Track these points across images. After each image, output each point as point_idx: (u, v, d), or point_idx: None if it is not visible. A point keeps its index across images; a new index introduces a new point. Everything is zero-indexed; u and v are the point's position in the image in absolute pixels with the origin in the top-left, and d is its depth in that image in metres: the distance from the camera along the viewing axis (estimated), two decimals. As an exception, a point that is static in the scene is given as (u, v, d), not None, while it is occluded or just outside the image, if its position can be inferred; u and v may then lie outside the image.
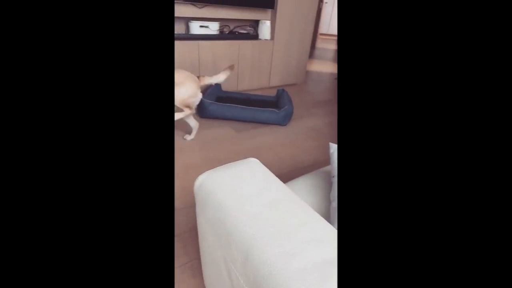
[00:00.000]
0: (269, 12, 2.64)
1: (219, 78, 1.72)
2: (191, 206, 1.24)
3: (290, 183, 0.90)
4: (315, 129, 2.09)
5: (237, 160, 1.62)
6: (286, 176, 1.51)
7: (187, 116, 1.68)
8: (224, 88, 2.60)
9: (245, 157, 1.65)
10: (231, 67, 1.73)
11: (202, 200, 0.63)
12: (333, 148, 0.87)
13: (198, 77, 1.69)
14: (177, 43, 2.18)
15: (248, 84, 2.78)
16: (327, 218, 0.76)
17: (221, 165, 1.53)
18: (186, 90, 1.61)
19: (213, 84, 2.41)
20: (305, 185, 0.87)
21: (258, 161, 0.75)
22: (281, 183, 0.64)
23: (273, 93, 2.74)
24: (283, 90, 2.43)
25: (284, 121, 2.06)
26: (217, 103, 2.07)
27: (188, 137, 1.79)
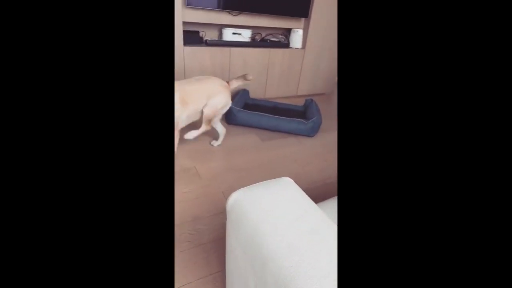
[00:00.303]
0: (302, 21, 2.61)
1: (246, 78, 1.69)
2: (216, 214, 1.24)
3: (321, 204, 0.87)
4: (343, 142, 2.02)
5: (262, 169, 1.61)
6: (313, 191, 1.46)
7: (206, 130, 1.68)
8: (251, 95, 2.61)
9: (270, 167, 1.63)
10: (245, 76, 1.68)
11: (235, 221, 0.62)
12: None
13: (227, 82, 1.70)
14: (209, 49, 2.22)
15: (275, 91, 2.77)
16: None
17: (246, 173, 1.54)
18: (221, 100, 1.61)
19: (240, 90, 2.44)
20: (332, 210, 0.83)
21: (292, 181, 0.72)
22: (318, 208, 0.61)
23: (300, 101, 2.70)
24: (312, 100, 2.39)
25: (311, 132, 2.02)
26: (245, 111, 2.07)
27: (215, 143, 1.80)
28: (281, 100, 2.78)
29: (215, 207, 1.28)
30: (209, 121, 1.62)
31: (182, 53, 2.12)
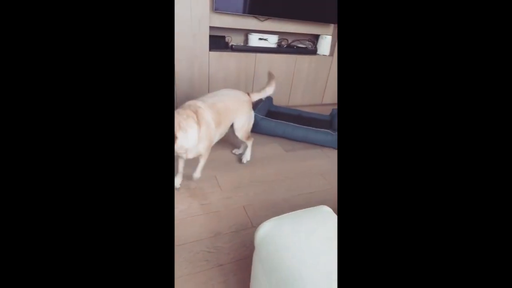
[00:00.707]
0: (331, 27, 2.51)
1: (267, 92, 1.58)
2: (236, 231, 1.16)
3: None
4: (373, 157, 1.88)
5: (286, 183, 1.51)
6: (340, 211, 1.34)
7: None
8: (275, 102, 2.52)
9: (295, 181, 1.53)
10: (271, 75, 1.60)
11: (266, 260, 0.53)
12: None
13: (248, 93, 1.58)
14: (234, 54, 2.17)
15: (300, 99, 2.67)
16: None
17: (269, 187, 1.44)
18: (247, 117, 1.49)
19: (263, 98, 2.36)
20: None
21: (331, 210, 0.62)
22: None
23: (325, 110, 2.57)
24: (339, 110, 2.26)
25: (338, 145, 1.90)
26: (268, 119, 1.99)
27: (245, 159, 1.66)
28: (305, 109, 2.67)
29: (236, 223, 1.20)
30: (248, 137, 1.56)
31: (207, 58, 2.09)
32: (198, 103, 1.24)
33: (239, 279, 0.95)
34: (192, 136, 1.15)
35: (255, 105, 2.22)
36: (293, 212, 0.60)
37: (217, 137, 1.37)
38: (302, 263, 0.48)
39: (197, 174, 1.37)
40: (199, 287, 0.92)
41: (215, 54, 2.10)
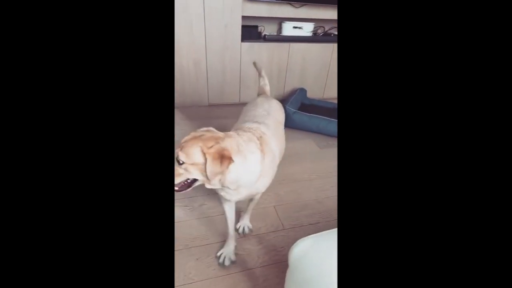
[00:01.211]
0: (374, 11, 2.28)
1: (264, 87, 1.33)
2: (266, 233, 1.11)
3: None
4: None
5: (320, 183, 1.41)
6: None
7: None
8: (309, 94, 2.39)
9: (329, 181, 1.43)
10: (256, 65, 1.37)
11: (302, 281, 0.46)
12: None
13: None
14: (267, 45, 2.08)
15: (336, 91, 2.50)
16: None
17: (301, 187, 1.36)
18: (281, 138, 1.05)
19: (297, 88, 2.25)
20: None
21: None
22: None
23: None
24: (380, 103, 2.07)
25: (379, 142, 1.73)
26: (301, 113, 1.89)
27: None
28: (341, 101, 2.50)
29: (266, 224, 1.15)
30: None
31: (239, 49, 2.02)
32: (261, 128, 0.90)
33: (269, 285, 0.91)
34: (252, 165, 0.77)
35: (287, 98, 2.12)
36: (332, 230, 0.52)
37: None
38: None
39: (246, 222, 1.09)
40: (228, 291, 0.89)
41: (246, 45, 2.03)
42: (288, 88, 2.33)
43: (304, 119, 1.88)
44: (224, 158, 0.68)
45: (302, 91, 2.26)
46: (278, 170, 1.56)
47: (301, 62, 2.25)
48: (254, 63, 1.42)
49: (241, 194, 0.83)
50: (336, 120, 1.81)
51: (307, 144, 1.78)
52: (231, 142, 0.74)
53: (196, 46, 1.92)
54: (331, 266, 0.44)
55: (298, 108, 2.06)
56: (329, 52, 2.26)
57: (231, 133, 0.81)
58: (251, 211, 1.08)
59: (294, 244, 0.51)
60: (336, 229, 0.53)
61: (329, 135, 1.85)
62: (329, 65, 2.33)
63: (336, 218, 1.21)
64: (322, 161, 1.60)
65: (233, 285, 0.91)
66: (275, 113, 1.08)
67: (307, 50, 2.20)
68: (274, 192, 1.32)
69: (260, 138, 0.83)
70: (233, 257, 0.98)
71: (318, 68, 2.32)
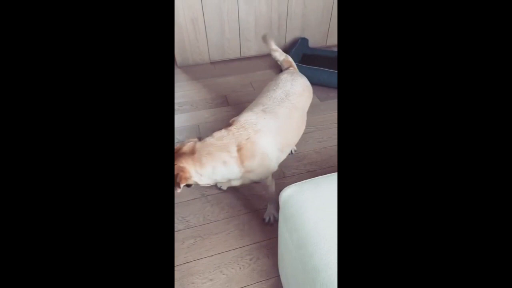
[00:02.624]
0: None
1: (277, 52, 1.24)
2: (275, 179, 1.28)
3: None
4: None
5: (320, 135, 1.53)
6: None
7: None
8: (311, 43, 2.33)
9: (329, 132, 1.54)
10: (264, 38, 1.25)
11: (287, 218, 0.62)
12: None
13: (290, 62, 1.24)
14: (265, -8, 1.97)
15: (339, 37, 2.41)
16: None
17: (302, 139, 1.47)
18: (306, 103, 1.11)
19: (298, 38, 2.19)
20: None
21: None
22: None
23: (369, 49, 2.31)
24: (384, 48, 2.02)
25: (379, 91, 1.77)
26: (302, 66, 1.89)
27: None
28: (345, 48, 2.43)
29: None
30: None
31: (236, 2, 1.94)
32: (259, 124, 0.89)
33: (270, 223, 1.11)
34: (220, 172, 0.84)
35: (289, 49, 2.09)
36: (313, 178, 0.66)
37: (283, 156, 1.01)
38: (318, 224, 0.56)
39: (272, 212, 1.11)
40: (240, 228, 1.10)
41: (244, -5, 1.94)
42: (290, 37, 2.27)
43: (305, 72, 1.89)
44: (177, 178, 0.79)
45: (304, 40, 2.21)
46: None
47: (302, 7, 2.14)
48: (263, 37, 1.26)
49: (236, 184, 0.93)
50: (336, 72, 1.82)
51: (308, 97, 1.84)
52: (190, 160, 0.82)
53: (191, 2, 1.86)
54: (309, 206, 0.59)
55: (300, 60, 2.05)
56: (331, -6, 2.12)
57: (207, 141, 0.86)
58: (273, 201, 1.09)
59: (283, 189, 0.66)
60: (315, 178, 0.67)
61: (331, 86, 1.89)
62: (331, 9, 2.21)
63: (331, 165, 1.36)
64: (322, 114, 1.69)
65: (242, 223, 1.12)
66: (296, 98, 1.01)
67: (308, -5, 2.08)
68: (276, 146, 1.46)
69: (242, 143, 0.84)
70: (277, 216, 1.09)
71: (320, 14, 2.21)
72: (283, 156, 0.99)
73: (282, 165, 1.35)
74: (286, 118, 0.95)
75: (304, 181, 0.66)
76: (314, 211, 0.58)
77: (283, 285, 0.80)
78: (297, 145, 1.46)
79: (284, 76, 1.10)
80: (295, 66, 1.25)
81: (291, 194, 0.63)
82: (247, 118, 0.91)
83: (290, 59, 1.24)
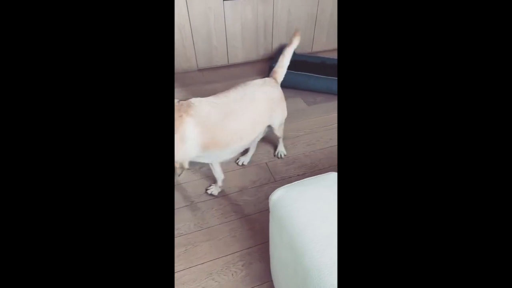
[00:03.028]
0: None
1: (289, 54, 1.25)
2: (260, 185, 1.28)
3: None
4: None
5: (309, 139, 1.55)
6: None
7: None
8: (297, 49, 2.38)
9: (317, 136, 1.56)
10: (296, 34, 1.28)
11: (277, 219, 0.63)
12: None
13: (273, 74, 1.23)
14: (250, 1, 2.01)
15: (325, 44, 2.48)
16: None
17: (291, 143, 1.51)
18: (282, 111, 1.21)
19: (284, 44, 2.23)
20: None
21: (338, 177, 0.68)
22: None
23: (353, 55, 2.38)
24: (367, 54, 2.09)
25: (363, 94, 1.82)
26: (289, 71, 1.92)
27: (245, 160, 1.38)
28: (331, 54, 2.49)
29: (260, 178, 1.32)
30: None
31: (222, 10, 1.97)
32: (200, 110, 0.93)
33: (264, 227, 1.11)
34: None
35: (275, 56, 2.13)
36: (302, 180, 0.67)
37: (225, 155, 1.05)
38: (307, 225, 0.56)
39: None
40: (231, 234, 1.10)
41: (229, 3, 1.97)
42: (276, 44, 2.31)
43: (292, 78, 1.92)
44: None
45: (290, 47, 2.26)
46: (271, 130, 1.67)
47: (287, 15, 2.19)
48: (295, 31, 1.27)
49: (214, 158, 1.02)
50: (324, 77, 1.87)
51: (296, 102, 1.87)
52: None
53: (177, 9, 1.87)
54: (298, 206, 0.60)
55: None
56: (315, 2, 2.19)
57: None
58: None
59: (272, 192, 0.67)
60: (303, 180, 0.68)
61: (317, 91, 1.92)
62: (315, 17, 2.27)
63: (321, 168, 1.37)
64: (310, 118, 1.71)
65: (234, 229, 1.11)
66: (251, 103, 1.01)
67: (292, 2, 2.13)
68: (266, 150, 1.47)
69: (176, 116, 0.89)
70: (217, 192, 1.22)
71: (305, 21, 2.27)
72: (211, 156, 1.02)
73: (271, 170, 1.36)
74: (228, 119, 0.95)
75: (294, 183, 0.67)
76: (303, 212, 0.59)
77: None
78: (287, 149, 1.47)
79: (255, 81, 1.11)
80: (278, 78, 1.23)
81: (280, 196, 0.64)
82: (196, 101, 0.94)
83: (280, 71, 1.23)
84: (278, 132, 1.26)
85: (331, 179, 0.66)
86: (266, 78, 1.18)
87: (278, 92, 1.15)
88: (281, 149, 1.42)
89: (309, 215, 0.58)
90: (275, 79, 1.21)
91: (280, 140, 1.38)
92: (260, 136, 1.21)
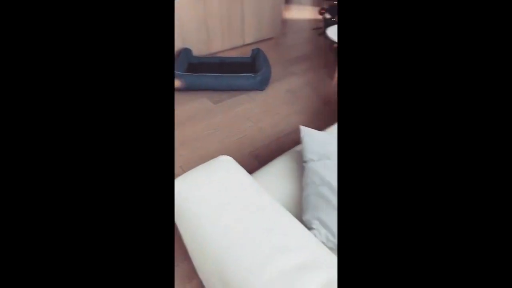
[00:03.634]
0: (233, -44, 2.31)
1: None
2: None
3: (264, 168, 0.92)
4: (294, 91, 2.05)
5: (217, 135, 1.60)
6: (267, 148, 1.53)
7: None
8: (195, 52, 2.42)
9: (225, 131, 1.64)
10: None
11: (177, 209, 0.65)
12: (304, 131, 0.86)
13: None
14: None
15: (220, 44, 2.59)
16: (300, 208, 0.79)
17: (201, 143, 1.53)
18: None
19: (181, 49, 2.23)
20: (279, 171, 0.89)
21: (230, 159, 0.75)
22: (255, 184, 0.66)
23: (248, 51, 2.58)
24: (259, 49, 2.30)
25: (261, 86, 2.00)
26: (189, 74, 1.95)
27: None
28: (228, 53, 2.62)
29: (176, 183, 1.30)
30: None
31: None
32: None
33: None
34: None
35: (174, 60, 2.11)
36: (198, 167, 0.71)
37: None
38: (200, 207, 0.60)
39: None
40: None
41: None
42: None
43: (193, 80, 1.95)
44: None
45: (186, 50, 2.27)
46: (177, 133, 1.66)
47: (177, 22, 2.20)
48: None
49: None
50: (224, 75, 1.96)
51: (202, 102, 1.90)
52: None
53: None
54: (189, 195, 0.63)
55: (186, 69, 2.10)
56: (201, 5, 2.26)
57: None
58: None
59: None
60: (200, 166, 0.71)
61: (220, 90, 2.01)
62: (205, 19, 2.35)
63: (233, 159, 1.46)
64: (218, 115, 1.78)
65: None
66: None
67: (179, 8, 2.15)
68: (178, 154, 1.46)
69: None
70: None
71: (196, 24, 2.32)
72: None
73: (184, 166, 1.36)
74: None
75: (189, 171, 0.70)
76: (197, 197, 0.62)
77: (201, 280, 0.82)
78: (201, 148, 1.49)
79: None
80: None
81: (177, 186, 0.66)
82: None
83: None
84: None
85: (221, 162, 0.72)
86: None
87: None
88: None
89: (203, 197, 0.61)
90: None
91: None
92: None
